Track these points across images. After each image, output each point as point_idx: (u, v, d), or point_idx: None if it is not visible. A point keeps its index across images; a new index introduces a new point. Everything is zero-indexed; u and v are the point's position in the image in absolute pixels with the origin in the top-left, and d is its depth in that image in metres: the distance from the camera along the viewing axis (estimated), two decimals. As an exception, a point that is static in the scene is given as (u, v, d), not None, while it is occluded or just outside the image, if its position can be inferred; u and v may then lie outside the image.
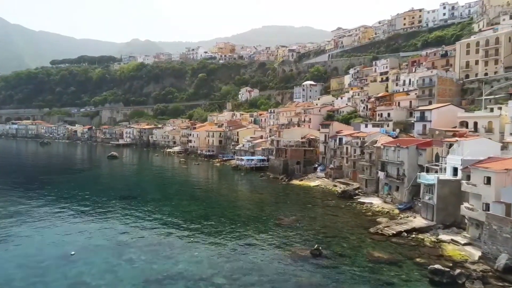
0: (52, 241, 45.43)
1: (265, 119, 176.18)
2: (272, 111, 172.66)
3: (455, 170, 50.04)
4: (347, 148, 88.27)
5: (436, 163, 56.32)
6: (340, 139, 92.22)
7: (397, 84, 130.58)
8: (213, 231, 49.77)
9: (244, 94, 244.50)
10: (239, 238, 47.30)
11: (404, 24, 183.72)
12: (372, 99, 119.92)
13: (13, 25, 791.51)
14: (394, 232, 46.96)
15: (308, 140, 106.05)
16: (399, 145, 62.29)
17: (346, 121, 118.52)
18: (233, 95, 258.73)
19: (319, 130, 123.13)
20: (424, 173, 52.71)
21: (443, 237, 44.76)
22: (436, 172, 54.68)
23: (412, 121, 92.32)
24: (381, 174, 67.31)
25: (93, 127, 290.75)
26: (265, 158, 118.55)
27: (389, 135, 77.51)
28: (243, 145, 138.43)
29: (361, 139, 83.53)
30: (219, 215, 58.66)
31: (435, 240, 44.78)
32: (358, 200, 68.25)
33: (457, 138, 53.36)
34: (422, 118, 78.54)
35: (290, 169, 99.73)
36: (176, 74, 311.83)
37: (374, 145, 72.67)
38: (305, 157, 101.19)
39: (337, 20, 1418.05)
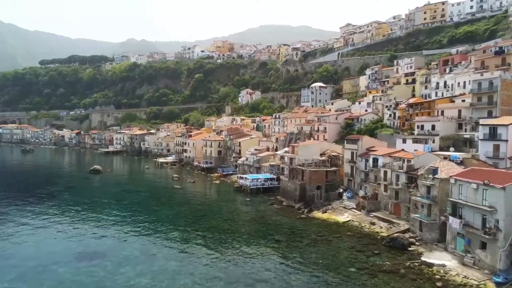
0: None
1: (269, 125, 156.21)
2: (277, 116, 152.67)
3: None
4: (385, 172, 68.12)
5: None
6: (375, 160, 72.04)
7: (426, 87, 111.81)
8: None
9: (245, 96, 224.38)
10: None
11: (425, 19, 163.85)
12: (403, 106, 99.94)
13: (7, 24, 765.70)
14: None
15: (329, 157, 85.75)
16: (488, 183, 42.14)
17: (371, 132, 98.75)
18: (232, 97, 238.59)
19: (335, 142, 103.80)
20: None
21: None
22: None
23: (465, 136, 72.95)
24: (452, 221, 47.15)
25: (82, 132, 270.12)
26: (274, 177, 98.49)
27: (450, 160, 57.33)
28: (247, 159, 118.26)
29: (407, 162, 63.52)
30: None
31: None
32: (421, 258, 47.80)
33: None
34: (493, 135, 58.45)
35: (309, 195, 79.43)
36: (171, 75, 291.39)
37: (436, 176, 52.41)
38: (327, 180, 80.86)
39: (335, 19, 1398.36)
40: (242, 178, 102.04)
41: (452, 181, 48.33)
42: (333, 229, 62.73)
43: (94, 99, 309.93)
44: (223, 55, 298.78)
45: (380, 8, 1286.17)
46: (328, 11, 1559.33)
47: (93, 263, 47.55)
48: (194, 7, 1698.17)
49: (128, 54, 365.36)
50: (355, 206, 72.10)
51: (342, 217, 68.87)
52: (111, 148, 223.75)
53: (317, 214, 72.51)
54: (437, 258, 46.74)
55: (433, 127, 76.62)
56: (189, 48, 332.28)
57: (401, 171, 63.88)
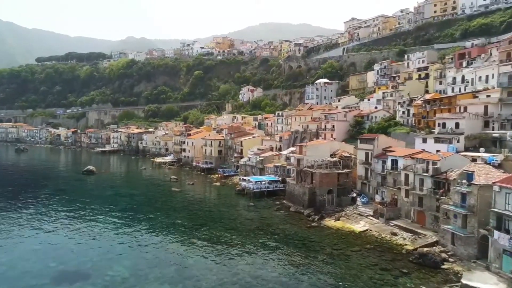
0: None
1: (271, 124, 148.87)
2: (280, 114, 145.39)
3: None
4: (406, 175, 60.83)
5: None
6: (394, 161, 64.73)
7: (441, 83, 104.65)
8: None
9: (246, 93, 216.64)
10: None
11: (435, 12, 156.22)
12: (418, 102, 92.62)
13: (5, 22, 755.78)
14: None
15: (341, 158, 78.36)
16: (547, 193, 34.89)
17: (384, 130, 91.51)
18: (233, 94, 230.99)
19: (344, 141, 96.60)
20: None
21: None
22: None
23: (494, 135, 65.61)
24: (499, 236, 39.93)
25: (78, 131, 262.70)
26: (279, 179, 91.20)
27: (486, 162, 50.00)
28: (249, 159, 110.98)
29: (432, 165, 56.21)
30: None
31: None
32: (461, 280, 40.41)
33: None
34: (534, 135, 51.15)
35: (319, 200, 72.18)
36: (169, 72, 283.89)
37: (474, 182, 45.10)
38: (338, 183, 73.60)
39: (336, 17, 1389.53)
40: (244, 180, 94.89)
41: (496, 188, 41.02)
42: (350, 241, 55.42)
43: (91, 97, 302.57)
44: (223, 51, 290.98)
45: (380, 8, 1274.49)
46: (328, 9, 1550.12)
47: (73, 287, 40.24)
48: (194, 6, 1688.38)
49: (126, 51, 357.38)
50: (371, 213, 64.80)
51: (358, 226, 61.59)
52: (107, 147, 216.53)
53: (330, 222, 65.17)
54: (481, 280, 39.46)
55: (456, 125, 69.30)
56: (188, 45, 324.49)
57: (426, 174, 56.61)
